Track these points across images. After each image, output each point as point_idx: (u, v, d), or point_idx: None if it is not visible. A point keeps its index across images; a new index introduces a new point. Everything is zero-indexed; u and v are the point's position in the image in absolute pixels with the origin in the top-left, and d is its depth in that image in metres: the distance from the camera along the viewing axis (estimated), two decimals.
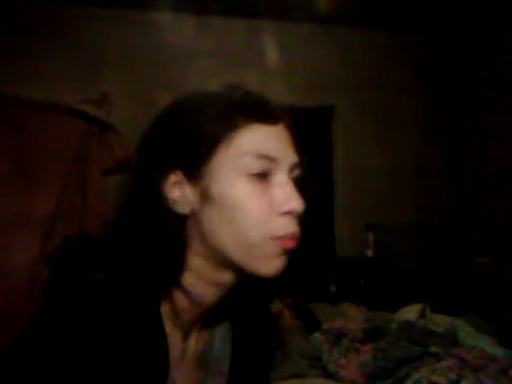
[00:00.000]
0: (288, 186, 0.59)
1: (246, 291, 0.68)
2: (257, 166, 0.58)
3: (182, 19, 2.93)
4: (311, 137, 3.25)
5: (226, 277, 0.61)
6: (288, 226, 0.58)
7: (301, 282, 2.48)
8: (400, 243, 3.17)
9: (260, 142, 0.58)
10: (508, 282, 2.62)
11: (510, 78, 3.02)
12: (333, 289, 2.86)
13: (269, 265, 0.59)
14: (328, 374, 1.66)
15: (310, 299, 2.46)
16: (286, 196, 0.59)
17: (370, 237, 3.04)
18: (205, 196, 0.58)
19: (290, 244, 0.59)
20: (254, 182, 0.58)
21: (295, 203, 0.58)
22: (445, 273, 3.16)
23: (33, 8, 2.83)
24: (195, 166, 0.58)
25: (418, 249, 3.24)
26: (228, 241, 0.58)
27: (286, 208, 0.58)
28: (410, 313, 2.02)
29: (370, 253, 3.04)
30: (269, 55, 2.97)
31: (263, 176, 0.58)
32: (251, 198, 0.57)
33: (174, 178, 0.59)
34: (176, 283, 0.60)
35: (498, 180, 3.12)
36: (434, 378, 1.39)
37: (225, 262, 0.60)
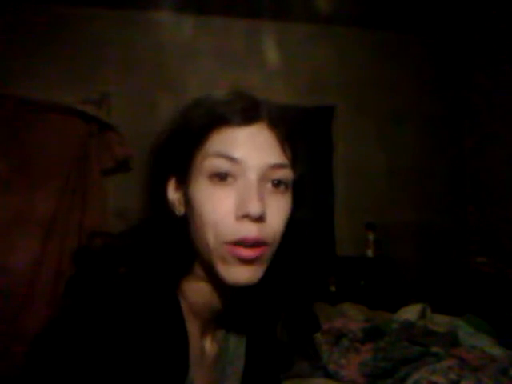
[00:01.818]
0: (249, 189, 0.57)
1: (258, 296, 0.69)
2: (217, 166, 0.58)
3: (182, 19, 2.93)
4: (311, 137, 3.25)
5: None
6: (243, 231, 0.56)
7: (301, 282, 2.48)
8: (400, 243, 3.17)
9: (223, 144, 0.58)
10: (508, 282, 2.62)
11: (510, 78, 3.02)
12: (333, 289, 2.86)
13: (231, 273, 0.58)
14: (328, 374, 1.66)
15: (313, 301, 2.45)
16: (243, 199, 0.57)
17: (370, 237, 3.04)
18: (186, 200, 0.62)
19: (245, 253, 0.57)
20: (214, 185, 0.58)
21: (251, 207, 0.56)
22: (445, 273, 3.16)
23: (33, 8, 2.83)
24: (182, 173, 0.61)
25: (418, 249, 3.24)
26: (199, 244, 0.60)
27: (241, 212, 0.56)
28: (410, 313, 2.01)
29: (370, 253, 3.03)
30: (269, 55, 2.97)
31: (224, 177, 0.58)
32: (208, 200, 0.58)
33: (173, 184, 0.63)
34: (187, 276, 0.63)
35: (498, 180, 3.12)
36: (434, 378, 1.39)
37: None
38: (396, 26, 3.26)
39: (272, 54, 2.97)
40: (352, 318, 2.07)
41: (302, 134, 0.66)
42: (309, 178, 0.68)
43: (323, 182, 3.28)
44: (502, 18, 3.03)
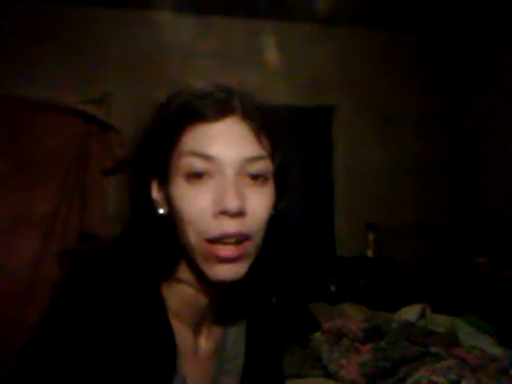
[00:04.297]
0: (226, 184, 0.57)
1: (254, 291, 0.69)
2: (192, 165, 0.57)
3: (182, 19, 2.93)
4: (311, 137, 3.25)
5: None
6: (222, 227, 0.56)
7: (301, 282, 2.48)
8: (400, 243, 3.17)
9: (197, 141, 0.58)
10: (508, 282, 2.62)
11: (510, 78, 3.02)
12: (333, 289, 2.86)
13: (214, 271, 0.58)
14: (328, 374, 1.66)
15: (310, 299, 2.46)
16: (220, 196, 0.56)
17: (370, 237, 3.04)
18: (167, 199, 0.61)
19: (223, 253, 0.56)
20: (191, 184, 0.57)
21: (228, 203, 0.55)
22: (445, 273, 3.16)
23: (33, 8, 2.83)
24: (161, 173, 0.61)
25: (418, 249, 3.24)
26: (182, 243, 0.60)
27: (218, 208, 0.56)
28: (410, 313, 2.02)
29: (370, 253, 3.04)
30: (269, 55, 2.97)
31: (200, 176, 0.57)
32: (185, 199, 0.57)
33: (155, 184, 0.63)
34: (171, 275, 0.63)
35: (498, 180, 3.12)
36: (434, 378, 1.39)
37: None
38: (396, 25, 3.26)
39: (272, 54, 2.97)
40: (352, 317, 2.08)
41: (281, 124, 0.64)
42: (290, 167, 0.66)
43: (323, 182, 3.28)
44: (501, 18, 3.03)
